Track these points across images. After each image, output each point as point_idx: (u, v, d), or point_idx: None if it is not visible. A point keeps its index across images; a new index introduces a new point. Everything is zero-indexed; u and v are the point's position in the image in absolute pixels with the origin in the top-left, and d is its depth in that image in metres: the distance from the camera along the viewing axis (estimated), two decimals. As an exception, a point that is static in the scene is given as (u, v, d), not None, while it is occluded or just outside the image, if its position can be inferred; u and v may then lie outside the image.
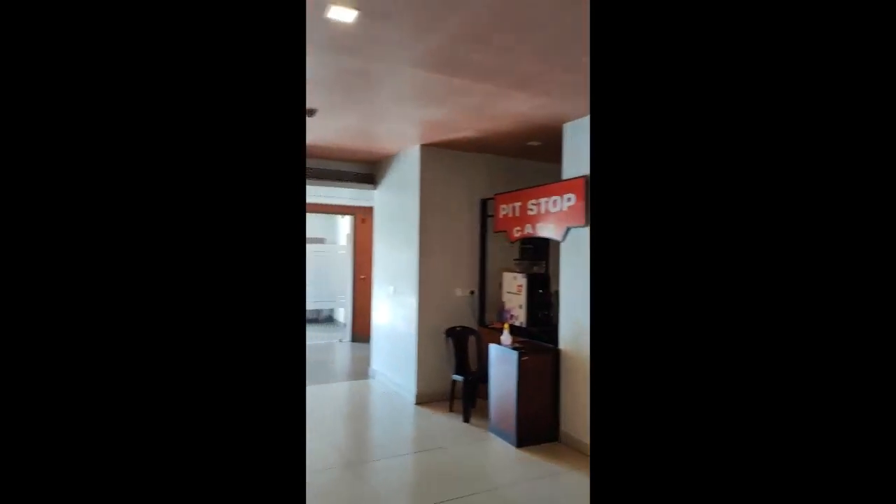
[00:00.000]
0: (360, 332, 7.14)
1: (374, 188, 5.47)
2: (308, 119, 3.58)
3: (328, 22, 2.10)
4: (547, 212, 3.74)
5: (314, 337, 7.82)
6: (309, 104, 3.28)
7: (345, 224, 8.41)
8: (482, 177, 4.68)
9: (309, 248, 8.03)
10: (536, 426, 3.57)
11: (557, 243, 3.71)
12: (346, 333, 7.51)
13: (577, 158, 3.55)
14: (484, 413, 4.02)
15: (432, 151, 4.50)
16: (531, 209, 3.93)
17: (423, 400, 4.46)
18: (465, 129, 3.86)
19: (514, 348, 3.64)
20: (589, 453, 3.29)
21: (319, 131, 4.02)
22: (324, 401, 4.65)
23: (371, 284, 5.64)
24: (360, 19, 2.08)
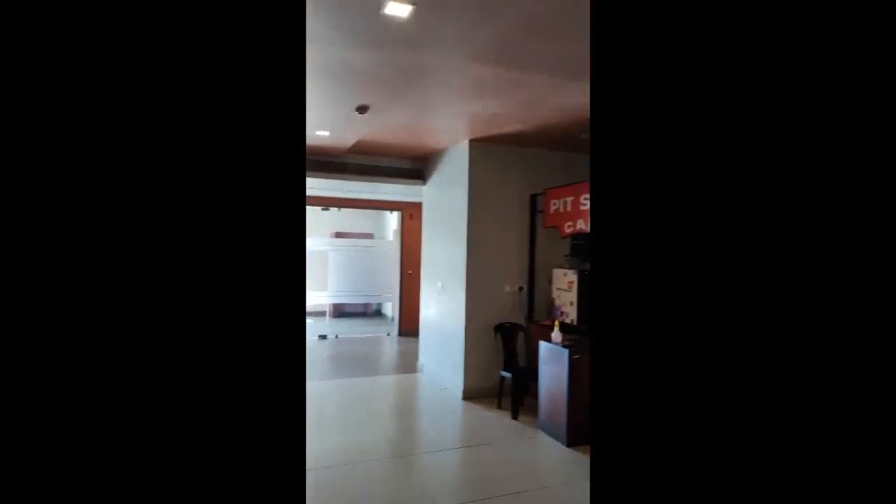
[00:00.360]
0: (408, 326, 7.22)
1: (423, 184, 5.50)
2: (360, 115, 3.63)
3: (383, 18, 2.11)
4: (600, 207, 3.63)
5: (362, 330, 7.99)
6: (361, 101, 3.34)
7: (392, 220, 8.52)
8: (532, 171, 4.61)
9: (357, 243, 8.19)
10: (587, 425, 3.50)
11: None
12: (394, 327, 7.62)
13: (633, 151, 3.42)
14: (532, 410, 3.98)
15: (482, 146, 4.47)
16: (584, 204, 3.83)
17: (470, 395, 4.46)
18: (517, 122, 3.81)
19: (565, 346, 3.57)
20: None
21: (370, 128, 4.08)
22: (372, 393, 4.74)
23: (419, 279, 5.69)
24: (414, 13, 2.08)
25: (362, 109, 3.49)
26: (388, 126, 4.05)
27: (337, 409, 4.25)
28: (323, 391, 4.74)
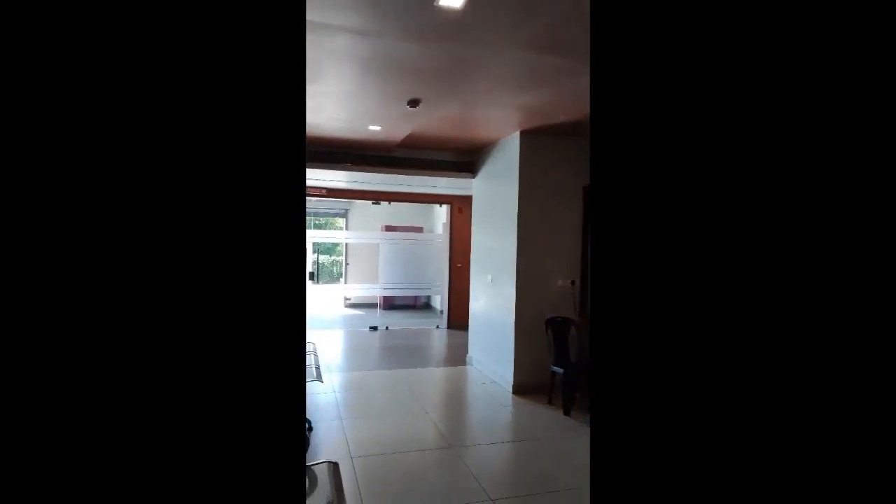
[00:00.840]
0: (457, 319, 7.25)
1: (473, 177, 5.48)
2: (411, 109, 3.66)
3: (436, 10, 2.11)
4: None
5: (412, 322, 8.10)
6: (413, 94, 3.35)
7: (442, 213, 8.57)
8: (585, 163, 4.49)
9: (406, 236, 8.29)
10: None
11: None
12: (443, 320, 7.67)
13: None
14: (584, 406, 3.89)
15: (533, 138, 4.40)
16: (640, 195, 3.69)
17: (520, 390, 4.42)
18: (569, 112, 3.71)
19: (620, 342, 3.46)
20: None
21: (422, 121, 4.10)
22: (422, 384, 4.79)
23: (468, 273, 5.69)
24: (467, 4, 2.06)
25: (414, 103, 3.51)
26: (438, 119, 4.05)
27: (387, 398, 4.33)
28: (373, 381, 4.85)
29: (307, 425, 3.47)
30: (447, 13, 2.15)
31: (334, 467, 2.16)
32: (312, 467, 2.22)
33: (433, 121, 4.11)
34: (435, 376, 5.16)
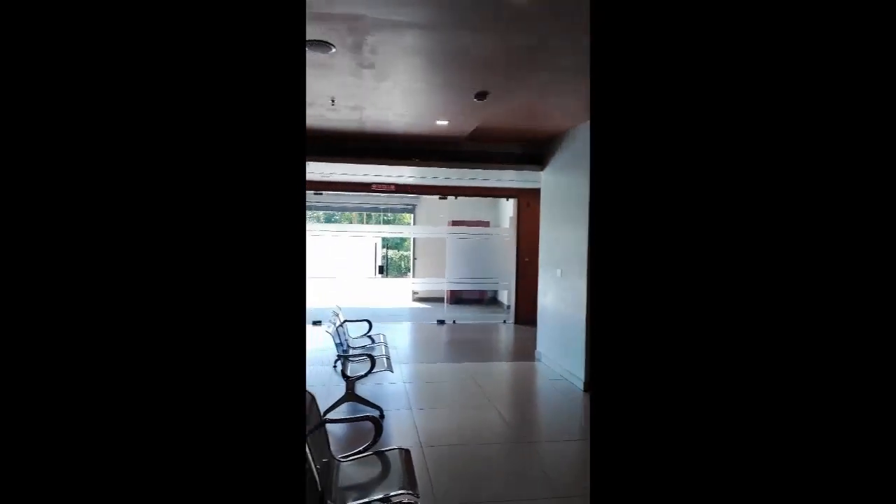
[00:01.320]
0: (525, 314, 7.17)
1: (541, 169, 5.38)
2: (478, 102, 3.65)
3: (504, 1, 2.08)
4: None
5: (479, 317, 8.12)
6: (481, 87, 3.34)
7: (508, 207, 8.50)
8: (661, 151, 4.26)
9: (472, 230, 8.31)
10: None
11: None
12: (510, 315, 7.62)
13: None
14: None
15: (604, 126, 4.24)
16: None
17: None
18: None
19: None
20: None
21: (488, 114, 4.08)
22: (490, 378, 4.79)
23: (536, 267, 5.60)
24: (538, -10, 2.02)
25: (482, 95, 3.50)
26: (506, 111, 4.02)
27: (456, 391, 4.38)
28: (442, 373, 4.92)
29: (379, 412, 3.59)
30: (515, 4, 2.12)
31: (406, 454, 2.21)
32: (385, 453, 2.28)
33: (501, 113, 4.07)
34: (503, 371, 5.14)
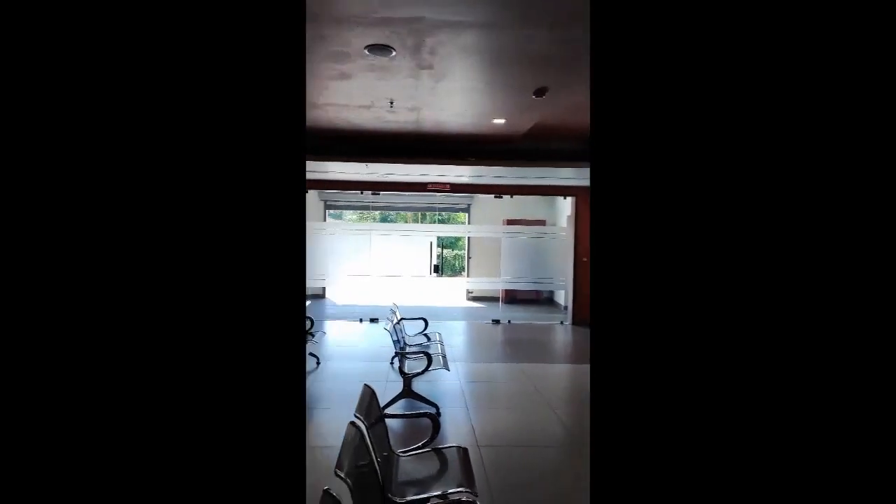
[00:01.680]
0: (583, 315, 7.00)
1: (600, 166, 5.23)
2: (536, 99, 3.60)
3: (567, -9, 2.04)
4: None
5: (534, 317, 8.01)
6: (541, 83, 3.30)
7: (566, 206, 8.32)
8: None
9: (528, 230, 8.20)
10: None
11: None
12: (567, 316, 7.46)
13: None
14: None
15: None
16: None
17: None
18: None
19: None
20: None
21: (546, 110, 4.01)
22: (546, 380, 4.72)
23: (595, 267, 5.45)
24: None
25: (540, 92, 3.45)
26: (564, 108, 3.94)
27: (512, 392, 4.34)
28: (498, 373, 4.89)
29: (436, 410, 3.63)
30: (578, -6, 2.08)
31: (464, 452, 2.22)
32: (442, 450, 2.30)
33: (559, 110, 4.00)
34: (561, 373, 5.05)
